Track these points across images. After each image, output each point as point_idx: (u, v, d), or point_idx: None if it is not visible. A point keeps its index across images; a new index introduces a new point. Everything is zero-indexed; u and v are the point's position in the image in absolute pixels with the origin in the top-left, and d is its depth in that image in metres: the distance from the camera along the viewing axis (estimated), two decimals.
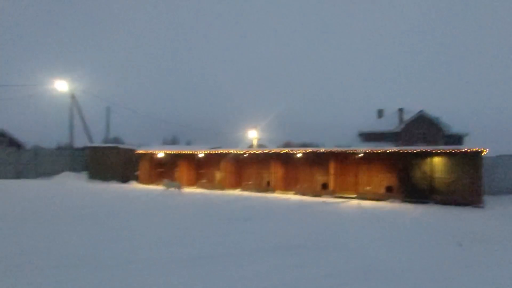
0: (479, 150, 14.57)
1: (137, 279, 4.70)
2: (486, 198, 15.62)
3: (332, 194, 17.60)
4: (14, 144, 35.20)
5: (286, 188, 19.66)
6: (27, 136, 40.13)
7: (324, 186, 18.75)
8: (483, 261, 6.19)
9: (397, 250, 6.79)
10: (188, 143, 45.04)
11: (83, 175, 24.10)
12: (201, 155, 21.68)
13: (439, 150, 15.77)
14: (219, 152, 21.01)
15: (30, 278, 4.59)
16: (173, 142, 50.15)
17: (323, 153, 18.52)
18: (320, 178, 19.30)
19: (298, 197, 17.15)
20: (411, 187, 16.02)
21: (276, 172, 19.69)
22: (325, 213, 11.97)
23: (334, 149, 18.59)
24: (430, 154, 15.89)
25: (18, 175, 22.88)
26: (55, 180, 22.33)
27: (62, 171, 24.20)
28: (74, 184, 20.37)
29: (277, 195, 18.01)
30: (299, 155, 19.20)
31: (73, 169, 24.85)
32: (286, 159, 19.91)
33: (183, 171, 22.20)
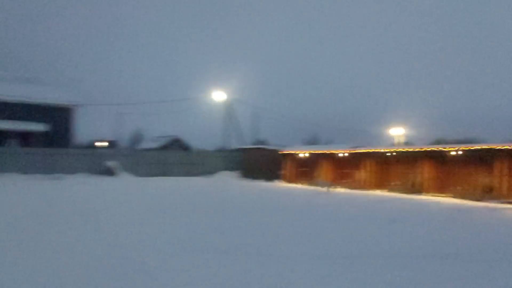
0: None
1: (287, 273, 5.15)
2: None
3: (499, 199, 14.89)
4: (184, 147, 42.71)
5: (438, 190, 17.65)
6: (194, 140, 47.89)
7: (488, 189, 16.00)
8: None
9: None
10: (328, 143, 45.23)
11: (236, 173, 27.34)
12: (342, 154, 21.64)
13: None
14: (361, 151, 20.54)
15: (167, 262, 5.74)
16: (313, 142, 51.25)
17: (487, 150, 15.85)
18: (482, 180, 16.55)
19: (452, 201, 15.23)
20: None
21: (427, 172, 17.92)
22: (488, 220, 10.35)
23: (503, 145, 15.69)
24: None
25: (187, 173, 27.67)
26: (215, 177, 26.08)
27: (220, 170, 28.06)
28: (232, 182, 23.40)
29: (427, 198, 16.40)
30: (454, 153, 16.99)
31: (228, 168, 28.47)
32: (438, 158, 17.89)
33: (324, 170, 22.61)
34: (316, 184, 18.97)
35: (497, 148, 15.44)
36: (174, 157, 27.96)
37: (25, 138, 27.60)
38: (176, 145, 44.09)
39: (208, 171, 27.88)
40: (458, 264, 5.76)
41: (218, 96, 32.51)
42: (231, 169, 28.36)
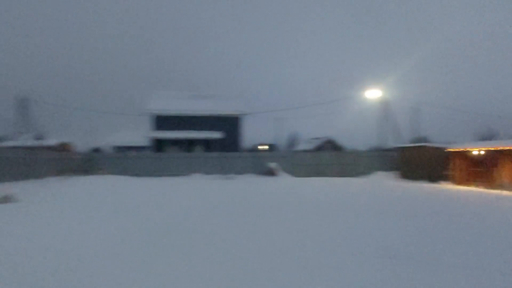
0: None
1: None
2: None
3: None
4: (337, 148, 43.06)
5: None
6: (346, 140, 47.61)
7: None
8: None
9: None
10: (510, 137, 37.25)
11: (392, 174, 25.91)
12: None
13: None
14: None
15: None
16: (488, 137, 43.04)
17: None
18: None
19: None
20: None
21: None
22: None
23: None
24: None
25: (340, 174, 27.90)
26: (370, 178, 25.46)
27: (374, 170, 27.16)
28: (388, 183, 22.41)
29: None
30: None
31: (383, 168, 27.26)
32: None
33: (507, 171, 19.02)
34: (498, 187, 16.17)
35: None
36: (327, 158, 28.71)
37: (206, 144, 33.72)
38: (330, 146, 44.91)
39: (361, 172, 27.44)
40: None
41: (373, 94, 31.63)
42: (387, 169, 27.07)
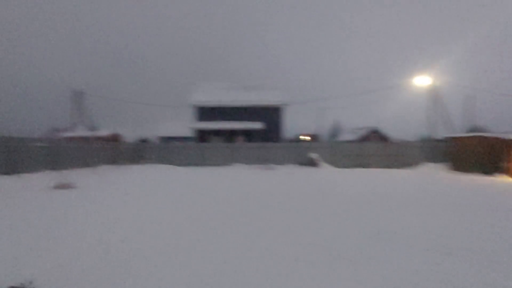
0: None
1: None
2: None
3: None
4: (382, 138, 41.42)
5: None
6: (393, 130, 45.61)
7: None
8: None
9: None
10: None
11: (442, 166, 24.45)
12: None
13: None
14: None
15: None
16: None
17: None
18: None
19: None
20: None
21: None
22: None
23: None
24: None
25: (386, 165, 26.81)
26: (418, 170, 24.24)
27: (422, 162, 25.79)
28: (438, 175, 21.17)
29: None
30: None
31: (432, 160, 25.79)
32: None
33: None
34: None
35: None
36: (372, 148, 27.74)
37: (247, 135, 34.09)
38: (375, 136, 43.33)
39: (409, 163, 26.21)
40: None
41: (422, 81, 29.78)
42: (436, 161, 25.59)
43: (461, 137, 24.34)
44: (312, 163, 26.71)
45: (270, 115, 35.07)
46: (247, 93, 36.36)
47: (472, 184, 15.98)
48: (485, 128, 38.17)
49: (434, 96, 29.32)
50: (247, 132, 34.26)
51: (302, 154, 27.83)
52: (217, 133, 34.32)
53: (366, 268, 4.87)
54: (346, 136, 47.33)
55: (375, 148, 27.72)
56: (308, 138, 50.31)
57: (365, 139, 41.78)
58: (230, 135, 34.07)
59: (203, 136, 34.40)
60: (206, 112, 35.21)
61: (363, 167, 26.36)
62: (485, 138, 22.53)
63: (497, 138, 21.70)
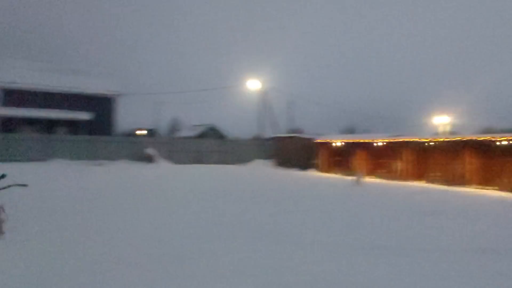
0: None
1: (324, 260, 5.11)
2: None
3: None
4: (219, 136, 43.36)
5: (485, 182, 16.54)
6: (229, 129, 48.42)
7: None
8: None
9: None
10: (366, 131, 43.89)
11: (270, 162, 27.34)
12: (379, 143, 20.89)
13: None
14: (399, 140, 19.70)
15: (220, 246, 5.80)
16: (351, 131, 49.93)
17: None
18: None
19: (501, 194, 14.23)
20: None
21: (472, 163, 16.84)
22: None
23: None
24: None
25: (222, 161, 28.05)
26: (249, 166, 26.27)
27: (254, 158, 28.19)
28: (265, 170, 23.45)
29: (472, 190, 15.47)
30: (504, 142, 15.78)
31: (262, 157, 28.52)
32: (484, 148, 16.73)
33: (360, 160, 21.98)
34: (351, 174, 18.45)
35: None
36: (209, 145, 28.46)
37: (71, 126, 29.38)
38: (212, 133, 44.90)
39: (242, 160, 28.12)
40: (506, 259, 5.39)
41: (253, 84, 32.48)
42: (266, 157, 28.39)
43: (283, 137, 27.83)
44: (148, 159, 25.23)
45: (101, 106, 31.22)
46: (70, 77, 31.03)
47: (286, 176, 18.41)
48: (302, 130, 45.08)
49: (263, 99, 32.55)
50: (72, 123, 29.55)
51: (138, 149, 25.93)
52: (31, 122, 28.24)
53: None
54: (184, 133, 47.35)
55: (211, 145, 28.56)
56: (144, 132, 47.85)
57: (203, 136, 42.79)
58: (49, 125, 28.56)
59: (9, 125, 27.62)
60: (13, 96, 28.41)
61: (200, 163, 26.70)
62: (301, 138, 26.42)
63: (310, 139, 25.75)
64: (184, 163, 26.01)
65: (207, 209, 8.96)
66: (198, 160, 27.15)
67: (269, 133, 32.66)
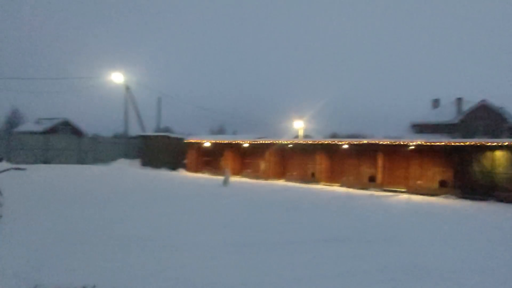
0: None
1: (195, 260, 4.92)
2: None
3: (380, 187, 16.96)
4: (76, 132, 38.23)
5: (332, 180, 19.28)
6: (88, 125, 43.27)
7: (372, 178, 18.10)
8: None
9: (448, 249, 6.39)
10: (235, 133, 45.84)
11: (136, 162, 25.54)
12: (246, 145, 21.94)
13: (502, 143, 14.47)
14: (264, 142, 21.10)
15: (82, 254, 4.97)
16: (220, 132, 51.29)
17: (371, 144, 17.85)
18: (367, 171, 18.66)
19: (343, 189, 16.76)
20: (468, 182, 14.93)
21: (321, 163, 19.36)
22: (372, 206, 11.58)
23: (383, 140, 17.83)
24: (492, 148, 14.64)
25: (80, 161, 24.78)
26: (112, 166, 23.90)
27: (118, 158, 25.83)
28: (130, 170, 21.67)
29: (322, 187, 17.75)
30: (345, 146, 18.69)
31: (127, 156, 26.41)
32: (332, 150, 19.49)
33: (228, 160, 22.64)
34: (219, 174, 18.80)
35: (379, 143, 17.48)
36: (62, 142, 24.69)
37: None
38: (66, 129, 39.24)
39: (104, 159, 25.42)
40: (345, 246, 6.17)
41: (117, 78, 29.48)
42: (131, 157, 26.38)
43: (151, 136, 26.37)
44: None
45: None
46: None
47: (153, 176, 17.47)
48: (171, 129, 43.82)
49: (129, 95, 30.14)
50: None
51: None
52: None
53: None
54: (29, 127, 39.82)
55: (65, 142, 24.84)
56: None
57: (54, 131, 36.86)
58: None
59: None
60: None
61: (49, 163, 22.86)
62: (170, 138, 25.58)
63: (179, 139, 25.15)
64: (27, 163, 21.79)
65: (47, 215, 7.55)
66: (46, 160, 23.21)
67: (136, 131, 30.44)
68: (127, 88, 29.30)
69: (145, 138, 26.23)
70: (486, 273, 5.03)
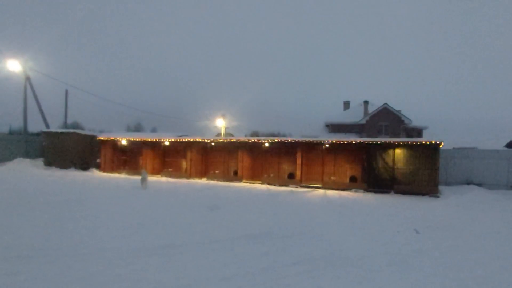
0: (437, 142, 15.30)
1: (107, 268, 4.46)
2: (442, 188, 16.50)
3: (299, 183, 17.83)
4: None
5: (253, 177, 19.66)
6: None
7: (291, 175, 18.94)
8: (438, 246, 6.49)
9: (360, 237, 6.96)
10: (153, 131, 43.83)
11: (39, 162, 22.73)
12: (167, 143, 21.12)
13: (401, 142, 16.38)
14: (185, 140, 20.56)
15: None
16: (137, 129, 48.51)
17: (290, 143, 18.65)
18: (287, 168, 19.47)
19: (265, 187, 17.21)
20: (374, 177, 16.56)
21: (243, 161, 19.61)
22: (291, 202, 12.08)
23: (301, 139, 18.79)
24: (392, 146, 16.48)
25: None
26: (7, 166, 20.86)
27: (15, 157, 22.66)
28: (28, 171, 19.16)
29: (244, 185, 17.98)
30: (266, 144, 19.22)
31: (28, 155, 23.36)
32: (253, 149, 19.87)
33: (148, 159, 21.54)
34: (137, 174, 17.76)
35: (299, 141, 18.37)
36: None
37: None
38: None
39: None
40: (267, 241, 6.29)
41: (13, 66, 25.65)
42: (33, 156, 23.38)
43: (57, 133, 23.69)
44: None
45: None
46: None
47: (60, 178, 15.76)
48: (82, 125, 39.99)
49: (29, 86, 26.60)
50: None
51: None
52: None
53: None
54: None
55: None
56: None
57: None
58: None
59: None
60: None
61: None
62: (80, 135, 23.31)
63: (91, 136, 23.09)
64: None
65: None
66: None
67: (37, 128, 26.97)
68: (27, 78, 25.84)
69: (49, 134, 23.44)
70: (392, 256, 5.60)
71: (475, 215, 10.43)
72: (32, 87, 26.17)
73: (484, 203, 13.08)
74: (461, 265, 5.34)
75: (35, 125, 26.68)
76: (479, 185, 17.22)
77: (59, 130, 24.23)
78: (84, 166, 22.30)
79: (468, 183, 17.61)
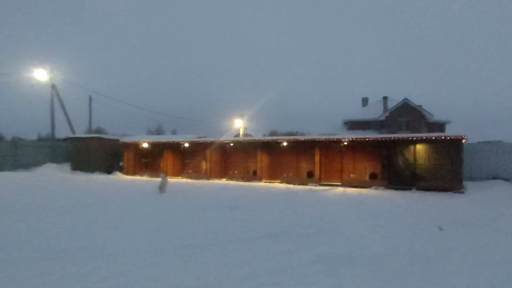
0: (460, 137, 14.89)
1: (131, 268, 4.65)
2: (466, 184, 16.05)
3: (318, 182, 17.77)
4: None
5: (272, 177, 19.72)
6: (7, 127, 38.85)
7: (310, 174, 18.89)
8: (462, 243, 6.36)
9: (381, 235, 6.91)
10: (173, 133, 44.62)
11: (66, 166, 23.59)
12: (186, 144, 21.48)
13: (422, 137, 16.05)
14: (204, 141, 20.85)
15: (8, 272, 4.47)
16: (158, 132, 49.48)
17: (308, 141, 18.60)
18: (305, 166, 19.42)
19: (284, 186, 17.24)
20: (394, 174, 16.30)
21: (262, 161, 19.70)
22: (311, 200, 12.08)
23: (319, 137, 18.70)
24: (413, 142, 16.16)
25: None
26: (36, 172, 21.76)
27: (44, 162, 23.61)
28: (59, 176, 19.92)
29: (263, 184, 18.07)
30: (284, 143, 19.24)
31: (55, 160, 24.28)
32: (271, 148, 19.93)
33: (168, 161, 21.98)
34: (158, 176, 18.09)
35: (316, 139, 18.29)
36: None
37: None
38: None
39: (27, 165, 23.05)
40: (286, 240, 6.35)
41: (40, 75, 26.75)
42: (60, 161, 24.30)
43: (83, 138, 24.51)
44: None
45: None
46: None
47: (85, 181, 16.33)
48: (105, 130, 41.19)
49: (55, 94, 27.66)
50: None
51: None
52: None
53: None
54: None
55: None
56: None
57: None
58: None
59: None
60: None
61: None
62: (104, 139, 24.03)
63: (115, 140, 23.77)
64: None
65: None
66: None
67: (65, 133, 27.99)
68: (53, 86, 26.85)
69: (75, 140, 24.31)
70: (414, 254, 5.55)
71: (502, 211, 10.12)
72: (58, 95, 27.17)
73: (511, 198, 12.65)
74: (487, 263, 5.23)
75: (62, 131, 27.70)
76: (506, 179, 16.65)
77: (84, 135, 25.08)
78: (109, 170, 22.98)
79: (494, 178, 17.05)
